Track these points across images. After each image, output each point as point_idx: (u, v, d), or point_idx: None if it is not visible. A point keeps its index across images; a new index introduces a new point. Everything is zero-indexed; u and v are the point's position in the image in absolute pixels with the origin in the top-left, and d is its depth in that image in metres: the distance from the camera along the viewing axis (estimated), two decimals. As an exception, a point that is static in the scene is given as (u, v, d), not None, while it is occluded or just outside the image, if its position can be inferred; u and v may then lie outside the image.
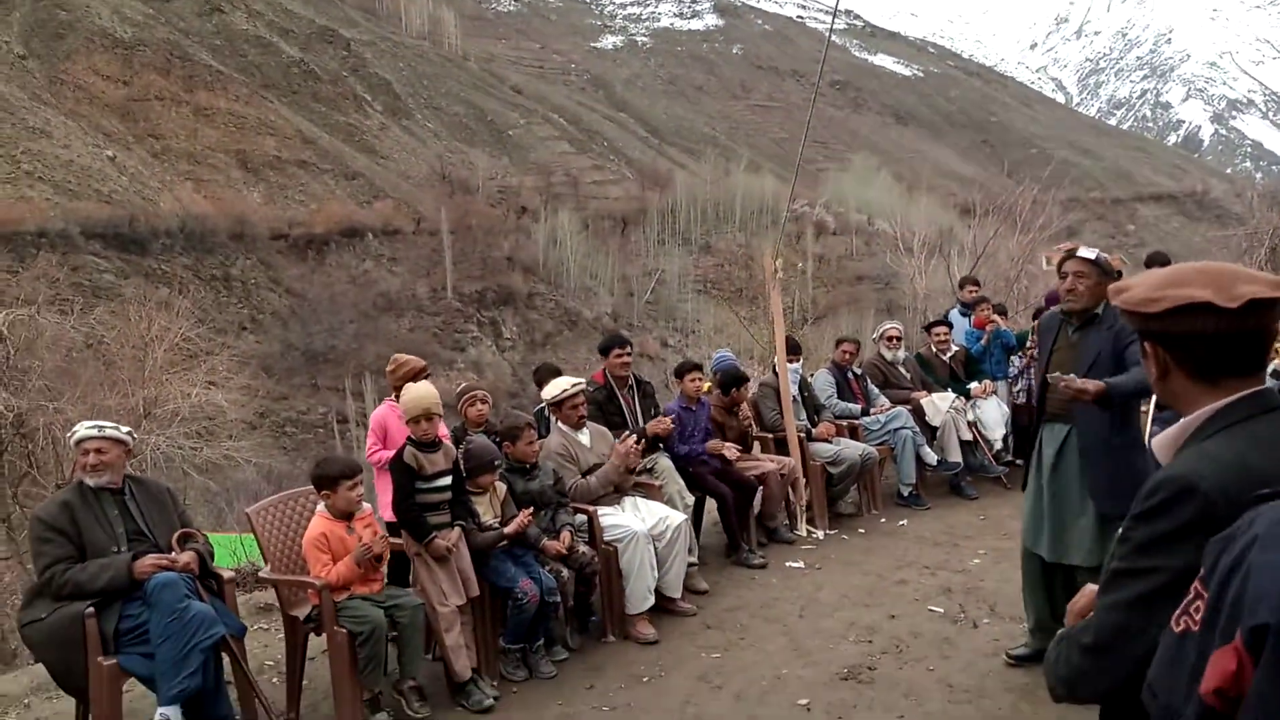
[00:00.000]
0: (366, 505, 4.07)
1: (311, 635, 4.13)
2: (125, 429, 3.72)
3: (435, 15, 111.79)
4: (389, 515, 4.43)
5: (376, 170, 79.53)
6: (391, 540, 4.14)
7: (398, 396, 4.66)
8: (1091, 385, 3.60)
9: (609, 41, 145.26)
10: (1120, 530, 1.51)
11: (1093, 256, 3.81)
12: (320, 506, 3.98)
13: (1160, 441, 1.58)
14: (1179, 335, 1.50)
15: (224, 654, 3.68)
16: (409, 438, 4.19)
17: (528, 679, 4.36)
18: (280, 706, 4.01)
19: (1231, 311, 1.43)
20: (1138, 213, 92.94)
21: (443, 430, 4.41)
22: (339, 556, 3.88)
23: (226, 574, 3.94)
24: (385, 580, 4.09)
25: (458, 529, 4.21)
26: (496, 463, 4.55)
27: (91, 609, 3.49)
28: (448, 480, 4.21)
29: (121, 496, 3.77)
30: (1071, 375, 3.69)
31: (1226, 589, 1.18)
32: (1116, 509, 3.68)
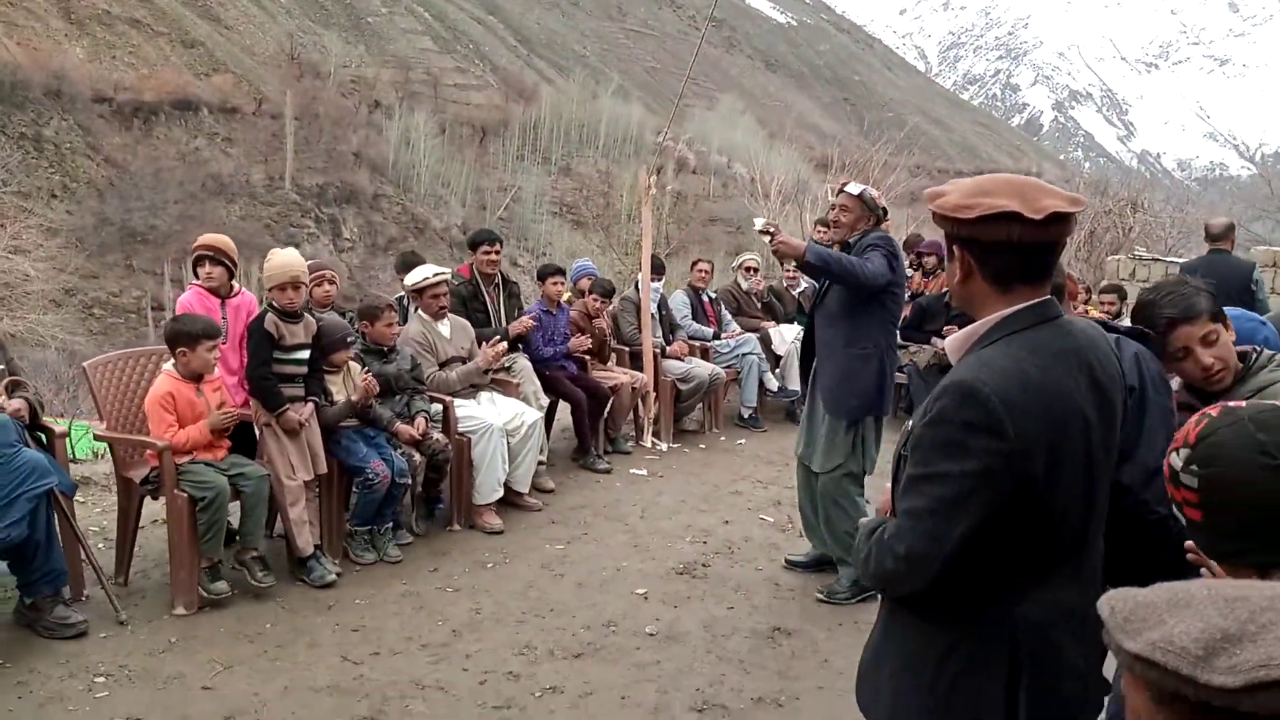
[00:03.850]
0: (218, 369, 3.93)
1: (147, 501, 3.99)
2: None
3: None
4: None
5: (218, 41, 73.51)
6: (241, 410, 4.02)
7: (197, 276, 4.30)
8: (791, 240, 3.97)
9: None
10: (912, 436, 1.62)
11: (857, 192, 4.16)
12: (168, 365, 3.81)
13: (951, 342, 1.71)
14: (986, 241, 1.60)
15: (54, 511, 3.50)
16: (270, 304, 4.05)
17: (375, 561, 4.37)
18: (108, 572, 3.87)
19: (1036, 222, 1.55)
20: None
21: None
22: (185, 419, 3.75)
23: (59, 428, 3.72)
24: (230, 448, 3.98)
25: (311, 404, 4.13)
26: (350, 340, 4.46)
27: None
28: (305, 354, 4.12)
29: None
30: (783, 233, 4.03)
31: None
32: (835, 412, 4.12)
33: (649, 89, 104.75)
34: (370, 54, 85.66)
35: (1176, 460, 1.34)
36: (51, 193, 54.35)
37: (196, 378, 3.80)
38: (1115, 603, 1.07)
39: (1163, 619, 1.00)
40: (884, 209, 4.27)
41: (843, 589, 4.19)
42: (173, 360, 3.81)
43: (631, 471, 6.05)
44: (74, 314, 48.18)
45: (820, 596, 4.19)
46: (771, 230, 4.09)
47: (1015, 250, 1.59)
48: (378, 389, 4.39)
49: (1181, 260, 7.52)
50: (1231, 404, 1.36)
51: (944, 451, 1.53)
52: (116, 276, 53.11)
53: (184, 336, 3.75)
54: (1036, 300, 1.61)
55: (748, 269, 8.12)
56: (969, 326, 1.68)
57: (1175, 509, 1.39)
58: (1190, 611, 0.98)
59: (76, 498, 4.94)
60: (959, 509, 1.51)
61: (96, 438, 4.02)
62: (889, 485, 1.82)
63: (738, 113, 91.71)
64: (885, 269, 3.94)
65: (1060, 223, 1.58)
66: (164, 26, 70.08)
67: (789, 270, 8.31)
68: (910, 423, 1.69)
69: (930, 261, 8.10)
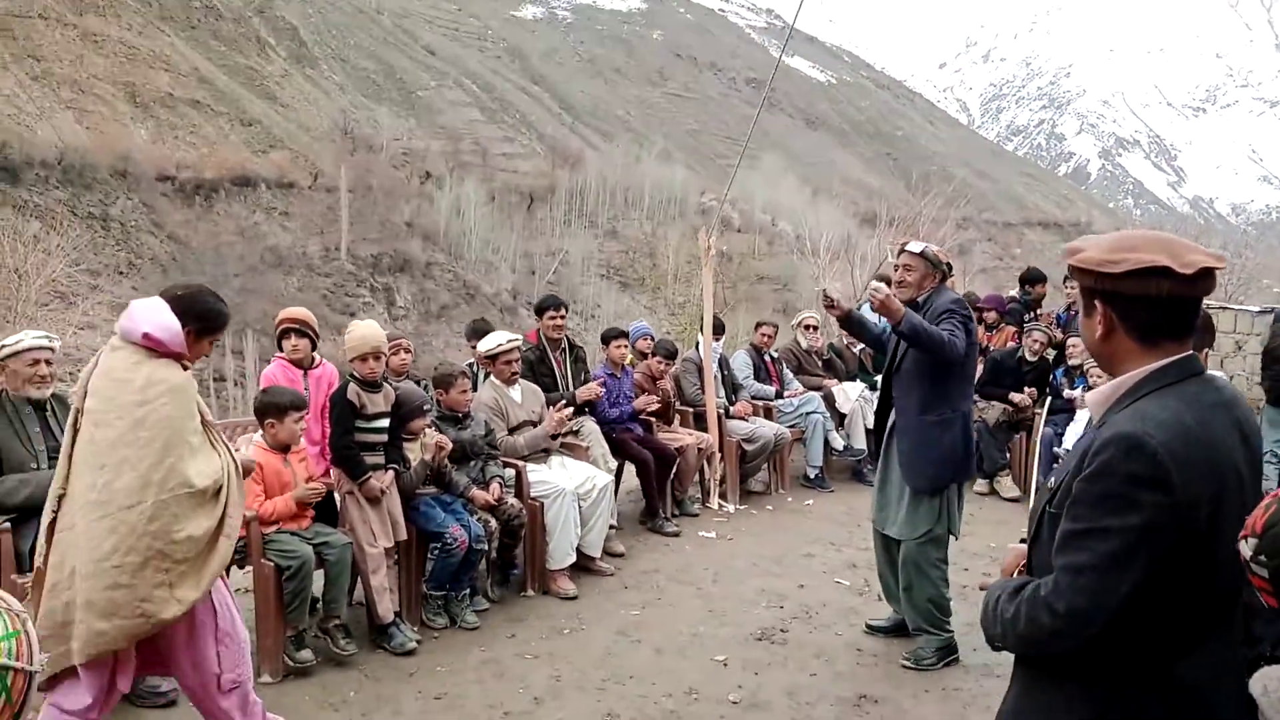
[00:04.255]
0: (303, 440, 4.02)
1: (232, 569, 4.05)
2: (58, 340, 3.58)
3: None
4: None
5: (275, 119, 76.28)
6: (325, 480, 4.10)
7: (281, 349, 4.43)
8: (895, 302, 3.80)
9: (529, 11, 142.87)
10: (1071, 493, 1.56)
11: (919, 250, 4.14)
12: (257, 436, 3.91)
13: (1094, 397, 1.68)
14: (1133, 296, 1.58)
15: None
16: (351, 374, 4.14)
17: (448, 627, 4.38)
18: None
19: (1185, 277, 1.53)
20: (1025, 237, 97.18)
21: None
22: (272, 489, 3.83)
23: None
24: (314, 517, 4.04)
25: (391, 471, 4.19)
26: (426, 408, 4.54)
27: (8, 524, 3.36)
28: (385, 422, 4.19)
29: (44, 412, 3.62)
30: (882, 285, 3.86)
31: None
32: (916, 482, 4.02)
33: (691, 151, 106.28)
34: (420, 126, 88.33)
35: (1245, 549, 1.30)
36: (118, 269, 56.25)
37: (284, 448, 3.89)
38: (1269, 682, 1.04)
39: None
40: (948, 264, 4.25)
41: (928, 655, 4.09)
42: (260, 431, 3.91)
43: (700, 534, 6.01)
44: (139, 386, 49.41)
45: (906, 663, 4.09)
46: (834, 299, 4.12)
47: (1162, 305, 1.58)
48: (450, 445, 4.45)
49: (1257, 309, 7.35)
50: None
51: (1107, 506, 1.49)
52: (179, 349, 54.56)
53: (273, 408, 3.85)
54: (1183, 355, 1.60)
55: (807, 327, 8.11)
56: (1113, 381, 1.65)
57: (1254, 593, 1.36)
58: None
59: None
60: (1124, 565, 1.48)
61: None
62: (1018, 545, 1.79)
63: (780, 171, 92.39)
64: (965, 339, 3.92)
65: (1207, 279, 1.57)
66: (223, 106, 72.98)
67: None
68: (1052, 480, 1.68)
69: (991, 316, 8.04)
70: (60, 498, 2.68)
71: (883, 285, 3.85)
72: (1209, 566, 1.51)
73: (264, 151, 70.92)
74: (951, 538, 4.21)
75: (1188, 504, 1.47)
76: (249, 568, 3.88)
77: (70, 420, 2.74)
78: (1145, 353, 1.61)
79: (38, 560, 2.72)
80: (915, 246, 4.21)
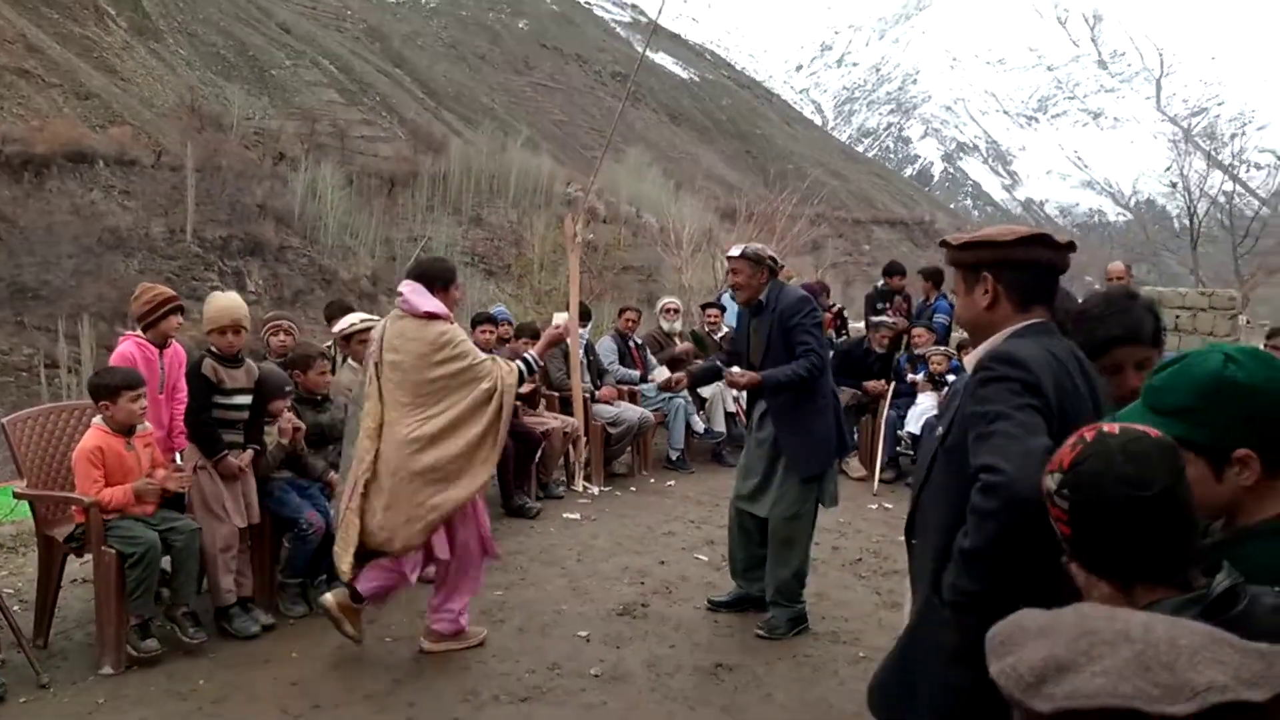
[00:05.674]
0: (148, 424, 3.83)
1: (71, 559, 3.84)
2: None
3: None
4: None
5: (114, 93, 71.20)
6: (178, 471, 3.91)
7: (144, 329, 4.23)
8: (745, 379, 4.19)
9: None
10: (962, 424, 1.81)
11: (739, 254, 4.32)
12: (97, 419, 3.70)
13: (970, 357, 1.96)
14: (1020, 262, 1.88)
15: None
16: (209, 349, 3.98)
17: (306, 614, 4.28)
18: (26, 634, 3.69)
19: (1060, 246, 1.88)
20: (874, 234, 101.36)
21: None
22: (113, 473, 3.64)
23: (-25, 486, 3.57)
24: (160, 503, 3.86)
25: (251, 450, 4.07)
26: (288, 389, 4.41)
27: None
28: (247, 399, 4.06)
29: None
30: (735, 369, 4.29)
31: None
32: (806, 471, 4.22)
33: (557, 141, 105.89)
34: (274, 106, 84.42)
35: (1051, 482, 1.40)
36: (-68, 250, 51.60)
37: (127, 431, 3.70)
38: (999, 627, 1.17)
39: (1024, 644, 1.10)
40: (772, 258, 4.37)
41: (780, 625, 4.27)
42: (100, 414, 3.71)
43: (565, 515, 6.08)
44: (-44, 375, 45.65)
45: (760, 633, 4.26)
46: (675, 384, 4.76)
47: (1041, 271, 1.89)
48: (304, 427, 4.35)
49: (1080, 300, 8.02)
50: (1105, 428, 1.39)
51: (1001, 398, 1.73)
52: (6, 334, 50.36)
53: (103, 389, 3.66)
54: (1042, 320, 1.91)
55: (669, 310, 8.29)
56: (985, 341, 1.92)
57: (1050, 520, 1.47)
58: (1047, 640, 1.08)
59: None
60: (1033, 430, 1.69)
61: (16, 495, 3.85)
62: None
63: (644, 164, 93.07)
64: (820, 349, 4.15)
65: (1071, 251, 1.92)
66: (56, 78, 67.63)
67: (711, 315, 8.53)
68: (939, 429, 1.93)
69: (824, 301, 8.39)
70: (379, 428, 3.60)
71: (736, 371, 4.24)
72: None
73: (102, 126, 66.10)
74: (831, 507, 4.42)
75: (1055, 411, 1.73)
76: (86, 557, 3.69)
77: (371, 372, 3.66)
78: (1019, 318, 1.91)
79: (364, 474, 3.59)
80: (735, 250, 4.38)
